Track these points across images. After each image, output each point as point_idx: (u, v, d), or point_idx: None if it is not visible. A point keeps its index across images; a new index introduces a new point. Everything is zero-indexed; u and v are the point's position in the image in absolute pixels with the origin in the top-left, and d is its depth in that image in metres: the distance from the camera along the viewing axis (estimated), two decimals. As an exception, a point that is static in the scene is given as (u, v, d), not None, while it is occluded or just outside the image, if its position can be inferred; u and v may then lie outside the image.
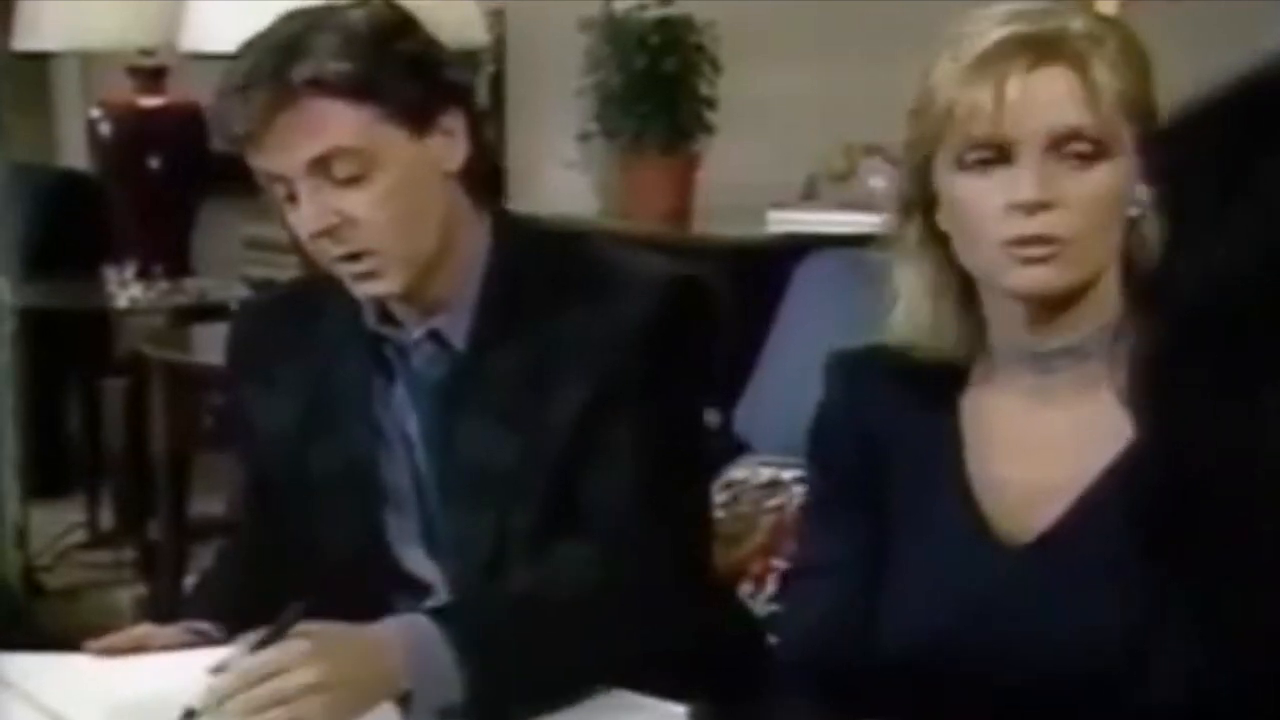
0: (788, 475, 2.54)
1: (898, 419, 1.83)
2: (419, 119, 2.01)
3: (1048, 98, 1.72)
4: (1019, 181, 1.72)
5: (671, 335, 2.04)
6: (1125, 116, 1.72)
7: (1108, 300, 1.76)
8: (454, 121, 2.04)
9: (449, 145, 2.04)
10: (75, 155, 5.52)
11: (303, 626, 1.83)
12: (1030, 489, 1.77)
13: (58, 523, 4.81)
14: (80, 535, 4.95)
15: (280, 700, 1.75)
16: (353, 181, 1.99)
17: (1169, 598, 1.55)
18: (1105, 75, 1.72)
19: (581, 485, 2.02)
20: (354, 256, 2.00)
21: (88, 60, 5.52)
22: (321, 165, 1.98)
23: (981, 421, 1.81)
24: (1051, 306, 1.76)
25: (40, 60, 5.42)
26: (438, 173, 2.04)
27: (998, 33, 1.73)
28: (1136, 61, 1.75)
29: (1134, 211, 1.73)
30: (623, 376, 2.01)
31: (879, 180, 4.13)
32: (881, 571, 1.81)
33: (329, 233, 1.99)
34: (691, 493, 2.13)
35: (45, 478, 4.28)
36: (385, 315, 2.10)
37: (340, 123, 1.97)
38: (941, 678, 1.74)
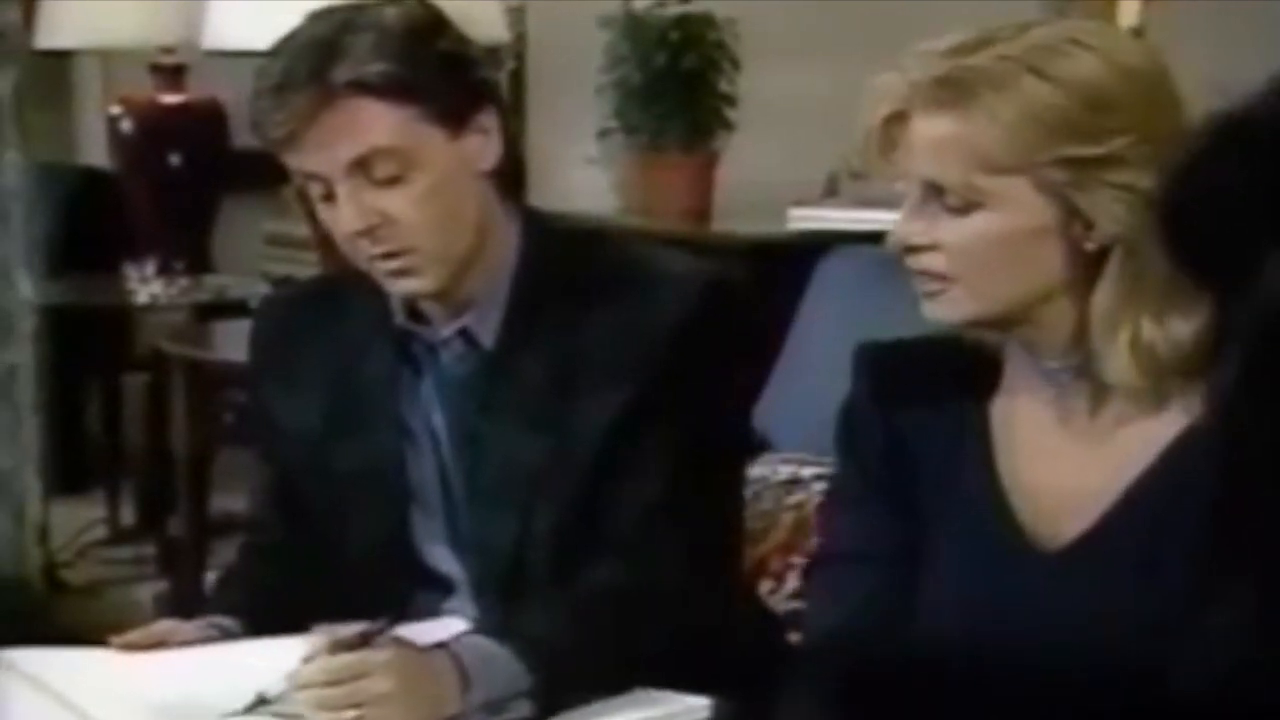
0: (807, 473, 2.53)
1: (927, 416, 1.83)
2: (456, 118, 2.02)
3: (919, 147, 1.72)
4: (897, 223, 1.76)
5: (704, 339, 2.04)
6: (1019, 167, 1.70)
7: (1069, 325, 1.74)
8: (488, 120, 2.05)
9: (484, 144, 2.04)
10: (96, 152, 5.53)
11: (385, 638, 1.86)
12: (1061, 496, 1.76)
13: (79, 519, 4.82)
14: (101, 532, 4.96)
15: (355, 703, 1.79)
16: (392, 181, 1.99)
17: (1204, 606, 1.56)
18: (988, 129, 1.69)
19: (611, 488, 2.03)
20: (391, 255, 2.01)
21: (108, 58, 5.53)
22: (361, 166, 1.98)
23: (1011, 427, 1.81)
24: (1004, 330, 1.77)
25: (61, 58, 5.43)
26: (473, 172, 2.04)
27: (889, 76, 1.73)
28: (1057, 100, 1.69)
29: (1089, 246, 1.72)
30: (656, 380, 2.02)
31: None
32: (910, 569, 1.80)
33: (368, 232, 2.00)
34: (724, 495, 2.13)
35: (66, 474, 4.28)
36: (413, 312, 2.11)
37: (380, 123, 1.98)
38: (969, 680, 1.73)
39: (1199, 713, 1.63)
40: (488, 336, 2.08)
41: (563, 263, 2.09)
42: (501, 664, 1.86)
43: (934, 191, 1.73)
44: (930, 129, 1.71)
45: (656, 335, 2.03)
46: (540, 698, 1.87)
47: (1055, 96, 1.69)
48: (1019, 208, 1.71)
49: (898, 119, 1.73)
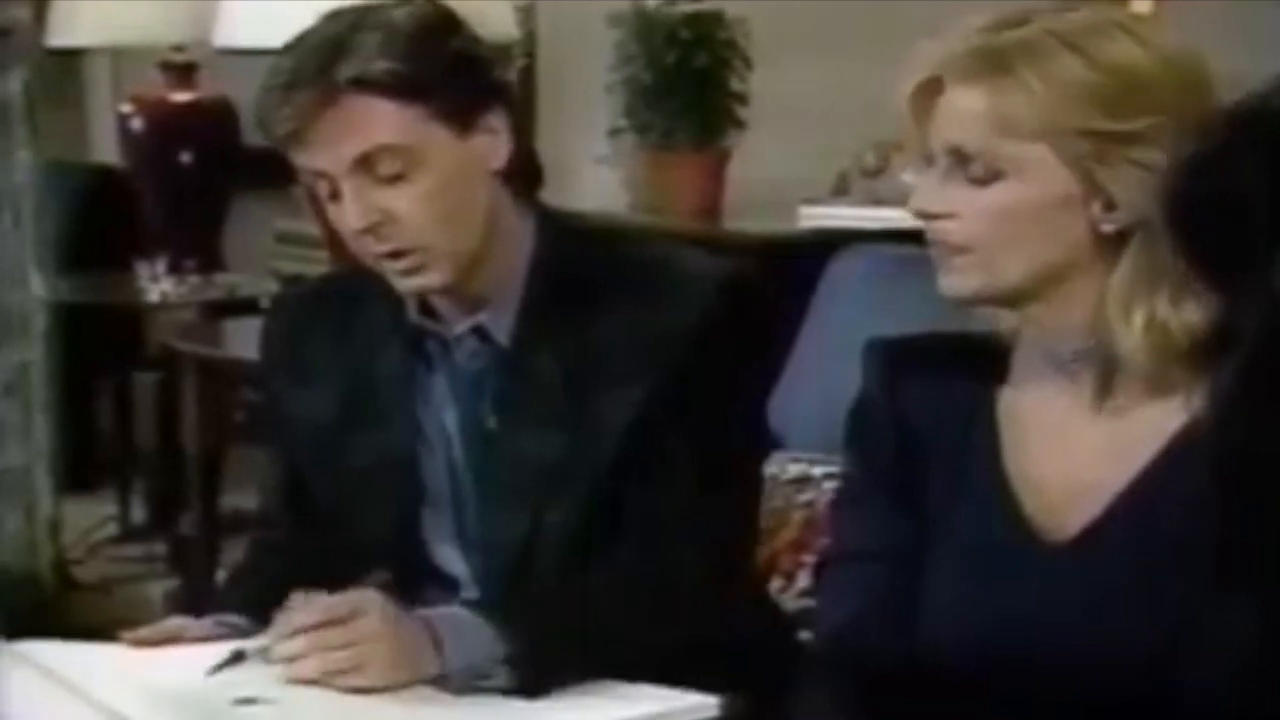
0: (818, 471, 2.53)
1: (935, 411, 1.83)
2: (464, 118, 2.02)
3: (951, 116, 1.74)
4: (917, 189, 1.77)
5: (721, 338, 2.04)
6: (1043, 133, 1.70)
7: (1083, 308, 1.74)
8: (498, 120, 2.05)
9: (493, 143, 2.05)
10: (107, 151, 5.54)
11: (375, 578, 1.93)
12: (1068, 488, 1.76)
13: (90, 516, 4.83)
14: (112, 529, 4.98)
15: (350, 640, 1.83)
16: (396, 179, 1.99)
17: (1208, 603, 1.56)
18: (1017, 97, 1.70)
19: (625, 487, 2.03)
20: (397, 254, 2.01)
21: (119, 56, 5.54)
22: (366, 163, 1.99)
23: (1019, 419, 1.81)
24: (1012, 308, 1.78)
25: (72, 56, 5.44)
26: (482, 170, 2.04)
27: (926, 44, 1.75)
28: (1091, 78, 1.70)
29: (1108, 228, 1.72)
30: (672, 380, 2.02)
31: (911, 175, 4.12)
32: (918, 564, 1.80)
33: (372, 230, 2.00)
34: (739, 494, 2.13)
35: (77, 472, 4.29)
36: (428, 308, 2.11)
37: (385, 121, 1.98)
38: (974, 674, 1.73)
39: (1202, 709, 1.63)
40: (502, 334, 2.08)
41: (578, 261, 2.09)
42: (474, 631, 1.89)
43: (959, 161, 1.74)
44: (962, 99, 1.73)
45: (673, 335, 2.03)
46: (519, 666, 1.88)
47: (1090, 74, 1.70)
48: (1040, 179, 1.72)
49: (932, 87, 1.74)
